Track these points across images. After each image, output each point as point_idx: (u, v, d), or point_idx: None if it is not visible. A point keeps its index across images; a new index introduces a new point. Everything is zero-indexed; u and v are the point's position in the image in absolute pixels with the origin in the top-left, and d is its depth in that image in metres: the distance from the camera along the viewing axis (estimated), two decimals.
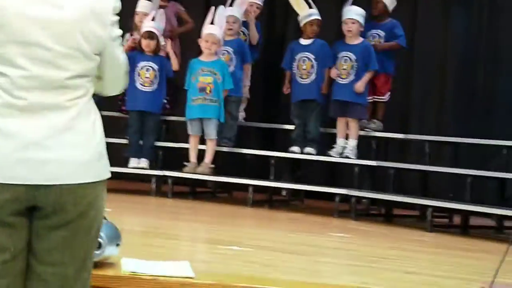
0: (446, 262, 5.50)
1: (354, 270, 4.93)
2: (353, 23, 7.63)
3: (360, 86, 7.58)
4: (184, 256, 4.48)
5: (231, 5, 8.14)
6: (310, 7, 7.89)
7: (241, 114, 8.39)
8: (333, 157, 7.72)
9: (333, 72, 7.69)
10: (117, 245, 4.00)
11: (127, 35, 8.06)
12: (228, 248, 5.25)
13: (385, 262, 5.30)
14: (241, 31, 8.28)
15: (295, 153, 7.88)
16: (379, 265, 5.12)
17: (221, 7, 7.87)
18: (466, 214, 7.05)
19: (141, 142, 8.09)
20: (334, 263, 5.24)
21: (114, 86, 2.55)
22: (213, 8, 7.86)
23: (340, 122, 7.74)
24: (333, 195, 7.51)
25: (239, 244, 5.43)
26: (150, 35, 7.86)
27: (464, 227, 7.03)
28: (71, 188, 2.31)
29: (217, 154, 8.07)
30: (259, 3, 8.36)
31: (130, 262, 3.95)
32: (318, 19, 7.84)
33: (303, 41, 7.91)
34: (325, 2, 8.23)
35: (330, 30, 8.23)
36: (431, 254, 5.84)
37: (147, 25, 7.91)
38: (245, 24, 8.29)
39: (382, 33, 7.92)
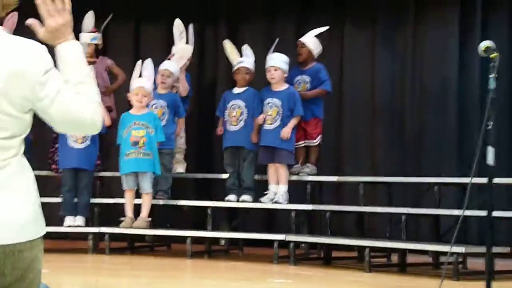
0: None
1: None
2: (276, 70, 7.75)
3: (285, 132, 7.67)
4: None
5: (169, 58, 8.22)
6: (241, 55, 7.99)
7: (183, 166, 8.39)
8: (268, 204, 7.76)
9: (260, 118, 7.78)
10: None
11: None
12: None
13: None
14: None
15: (231, 201, 7.89)
16: None
17: (148, 60, 7.91)
18: (403, 252, 7.13)
19: (75, 200, 8.01)
20: None
21: (72, 129, 2.48)
22: (139, 61, 7.89)
23: (271, 168, 7.81)
24: (271, 241, 7.53)
25: None
26: None
27: (401, 265, 7.11)
28: (9, 251, 2.28)
29: (153, 207, 8.05)
30: (190, 55, 8.41)
31: None
32: (245, 67, 7.92)
33: (236, 90, 8.00)
34: (260, 50, 8.31)
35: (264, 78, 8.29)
36: None
37: None
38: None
39: (307, 79, 8.03)
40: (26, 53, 2.31)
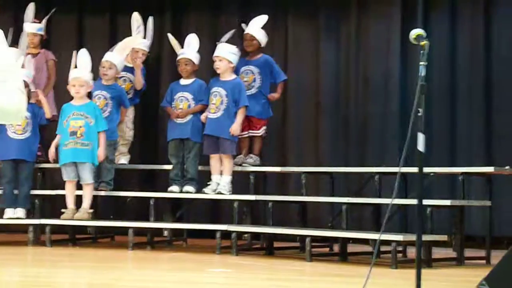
0: None
1: None
2: (220, 60, 7.74)
3: (235, 130, 7.65)
4: None
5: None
6: (182, 46, 7.98)
7: (126, 158, 8.36)
8: (210, 195, 7.75)
9: (203, 117, 7.76)
10: None
11: None
12: None
13: None
14: (126, 77, 8.27)
15: (173, 192, 7.87)
16: None
17: (82, 50, 7.84)
18: (344, 241, 7.17)
19: (16, 191, 7.92)
20: None
21: None
22: (74, 52, 7.81)
23: (213, 159, 7.80)
24: (215, 232, 7.52)
25: (114, 286, 5.38)
26: None
27: (342, 255, 7.15)
28: None
29: (97, 198, 7.99)
30: (145, 49, 8.35)
31: None
32: (184, 58, 7.90)
33: (183, 81, 7.98)
34: (205, 41, 8.28)
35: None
36: (307, 282, 5.93)
37: None
38: (130, 69, 8.28)
39: (255, 69, 8.03)
40: None
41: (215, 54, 7.78)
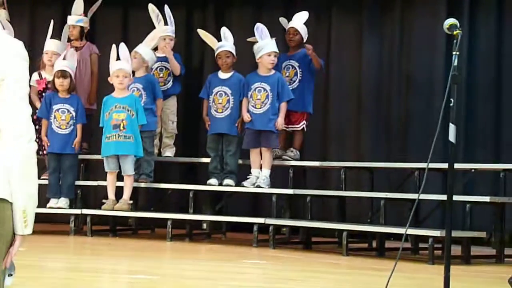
0: (354, 281, 5.57)
1: None
2: (275, 56, 7.75)
3: (280, 124, 7.67)
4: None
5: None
6: (220, 39, 8.00)
7: (172, 150, 8.41)
8: (249, 188, 7.77)
9: (246, 116, 7.75)
10: (10, 275, 3.96)
11: (35, 74, 8.16)
12: (134, 278, 5.25)
13: (293, 283, 5.35)
14: (162, 66, 8.35)
15: (212, 185, 7.90)
16: (287, 286, 5.17)
17: (121, 44, 7.91)
18: (382, 237, 7.13)
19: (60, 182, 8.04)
20: (240, 286, 5.27)
21: None
22: (113, 45, 7.88)
23: (254, 153, 7.81)
24: (253, 225, 7.53)
25: (153, 273, 5.44)
26: (63, 74, 7.90)
27: (380, 250, 7.11)
28: None
29: (138, 190, 8.06)
30: (171, 34, 8.40)
31: None
32: (225, 51, 7.92)
33: (221, 75, 7.99)
34: (247, 35, 8.31)
35: (245, 61, 8.28)
36: (341, 274, 5.92)
37: (59, 64, 7.95)
38: (164, 58, 8.35)
39: (295, 64, 8.05)
40: None
41: (273, 49, 7.68)
